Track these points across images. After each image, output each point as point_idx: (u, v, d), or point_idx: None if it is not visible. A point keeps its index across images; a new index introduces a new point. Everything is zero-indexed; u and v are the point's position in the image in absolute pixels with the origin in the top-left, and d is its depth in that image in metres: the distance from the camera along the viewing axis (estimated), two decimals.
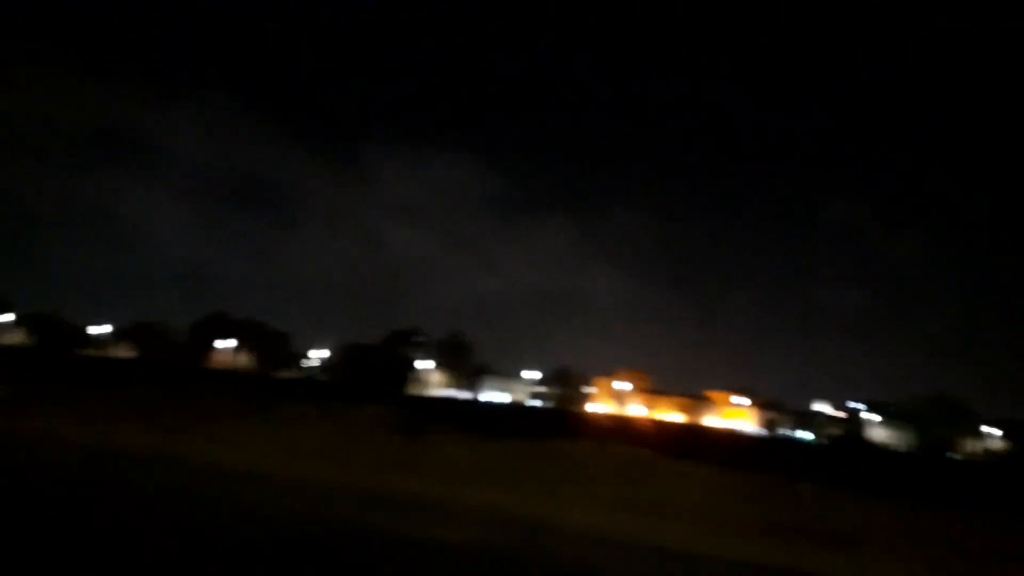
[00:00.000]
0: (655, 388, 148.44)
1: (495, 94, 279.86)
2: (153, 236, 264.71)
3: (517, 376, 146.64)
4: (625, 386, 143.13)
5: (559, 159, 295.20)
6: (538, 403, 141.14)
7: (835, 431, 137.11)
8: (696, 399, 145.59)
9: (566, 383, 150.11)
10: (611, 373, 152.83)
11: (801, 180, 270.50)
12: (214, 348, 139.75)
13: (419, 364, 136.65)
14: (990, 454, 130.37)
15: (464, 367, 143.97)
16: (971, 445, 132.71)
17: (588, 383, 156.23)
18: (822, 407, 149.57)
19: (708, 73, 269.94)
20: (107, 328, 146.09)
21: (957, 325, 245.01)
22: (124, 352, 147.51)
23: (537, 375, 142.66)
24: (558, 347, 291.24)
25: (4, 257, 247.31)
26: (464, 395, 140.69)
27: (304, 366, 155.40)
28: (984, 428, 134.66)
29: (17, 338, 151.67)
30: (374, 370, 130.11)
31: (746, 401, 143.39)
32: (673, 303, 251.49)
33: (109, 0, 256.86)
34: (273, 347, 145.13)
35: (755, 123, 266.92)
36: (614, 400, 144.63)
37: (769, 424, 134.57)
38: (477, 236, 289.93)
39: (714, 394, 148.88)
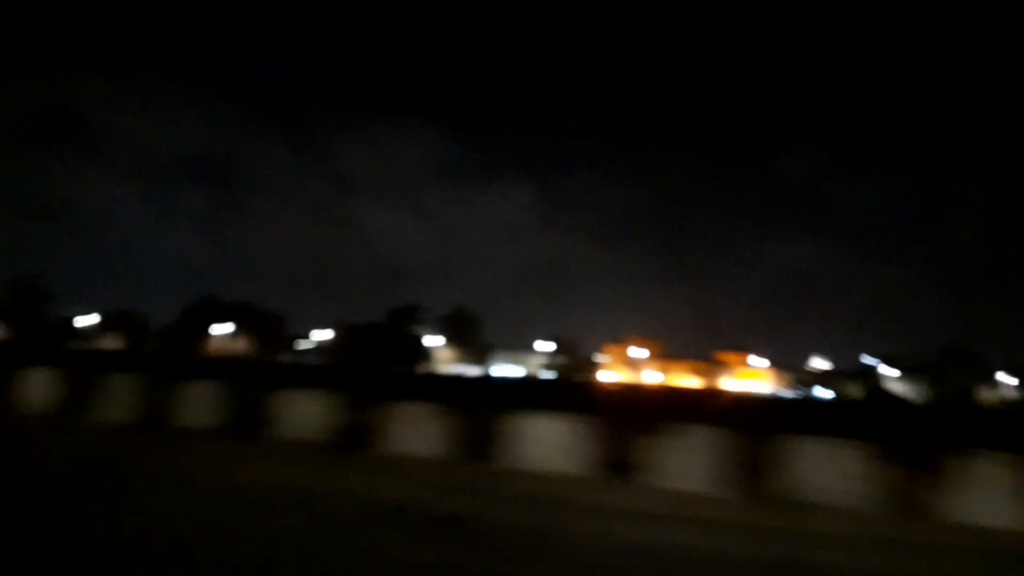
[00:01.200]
0: (667, 353, 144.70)
1: (450, 61, 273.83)
2: (98, 219, 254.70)
3: (527, 349, 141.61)
4: (640, 352, 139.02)
5: (515, 123, 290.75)
6: (550, 375, 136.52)
7: (853, 389, 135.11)
8: (710, 362, 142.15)
9: (573, 353, 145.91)
10: (619, 340, 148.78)
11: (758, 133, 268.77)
12: (209, 334, 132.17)
13: (427, 341, 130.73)
14: (1007, 402, 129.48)
15: (472, 342, 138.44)
16: (987, 394, 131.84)
17: (594, 352, 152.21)
18: (822, 364, 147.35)
19: (660, 31, 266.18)
20: (94, 318, 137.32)
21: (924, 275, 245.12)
22: (110, 343, 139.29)
23: (551, 346, 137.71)
24: (536, 317, 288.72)
25: None
26: (474, 371, 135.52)
27: (300, 349, 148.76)
28: (1000, 376, 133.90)
29: None
30: (382, 349, 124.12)
31: (763, 362, 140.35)
32: (642, 265, 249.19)
33: None
34: (269, 330, 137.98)
35: (711, 78, 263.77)
36: (628, 367, 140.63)
37: (801, 383, 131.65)
38: (437, 206, 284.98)
39: (726, 356, 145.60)
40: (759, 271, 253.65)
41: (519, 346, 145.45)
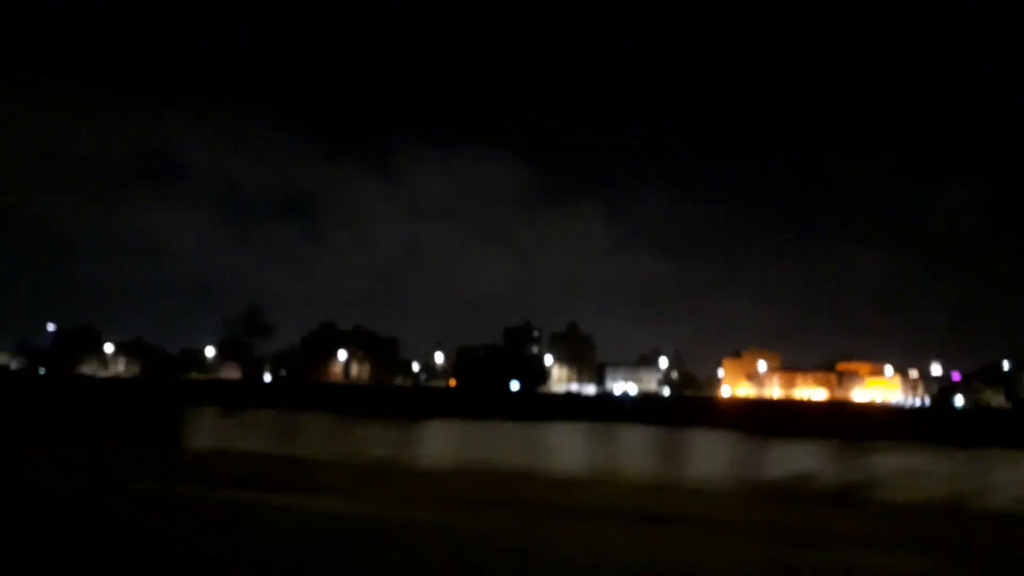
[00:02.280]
0: (788, 365, 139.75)
1: (518, 86, 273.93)
2: (186, 253, 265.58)
3: (640, 366, 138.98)
4: (762, 366, 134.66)
5: (585, 146, 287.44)
6: (667, 392, 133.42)
7: (993, 396, 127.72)
8: (835, 373, 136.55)
9: (683, 368, 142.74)
10: (737, 354, 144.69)
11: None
12: (331, 360, 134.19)
13: (545, 361, 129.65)
14: None
15: (585, 360, 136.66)
16: None
17: (709, 367, 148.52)
18: (937, 369, 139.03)
19: (724, 48, 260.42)
20: (210, 350, 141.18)
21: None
22: (228, 373, 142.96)
23: (664, 362, 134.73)
24: (634, 335, 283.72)
25: (45, 280, 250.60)
26: (590, 390, 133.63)
27: (414, 372, 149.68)
28: None
29: (121, 367, 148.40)
30: (503, 370, 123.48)
31: (890, 371, 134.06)
32: (711, 278, 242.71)
33: (130, 22, 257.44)
34: (385, 355, 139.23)
35: (774, 94, 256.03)
36: (751, 382, 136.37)
37: (944, 393, 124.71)
38: (511, 228, 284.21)
39: (850, 365, 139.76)
40: (842, 279, 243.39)
41: (631, 363, 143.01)
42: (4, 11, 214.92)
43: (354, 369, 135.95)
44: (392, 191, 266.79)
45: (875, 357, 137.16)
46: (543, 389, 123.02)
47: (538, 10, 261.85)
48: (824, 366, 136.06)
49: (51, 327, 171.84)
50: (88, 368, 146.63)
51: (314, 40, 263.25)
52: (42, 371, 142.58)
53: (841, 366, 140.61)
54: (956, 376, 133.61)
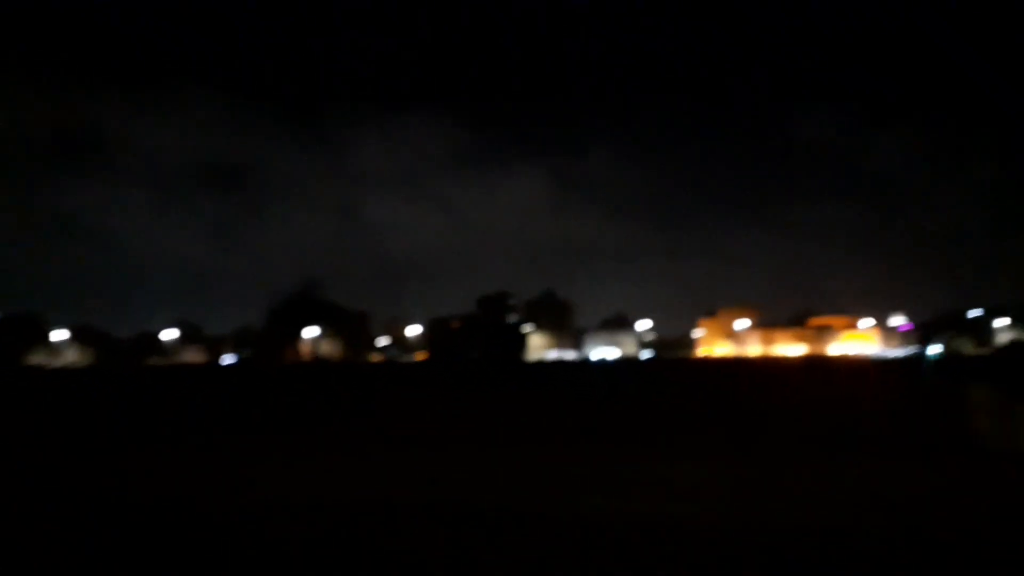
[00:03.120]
0: (767, 322, 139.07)
1: (455, 48, 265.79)
2: (118, 232, 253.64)
3: (618, 330, 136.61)
4: (743, 323, 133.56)
5: (525, 107, 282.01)
6: (648, 354, 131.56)
7: (964, 343, 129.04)
8: (813, 328, 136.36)
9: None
10: (713, 313, 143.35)
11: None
12: (300, 338, 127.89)
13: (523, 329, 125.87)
14: None
15: (565, 327, 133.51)
16: None
17: (687, 327, 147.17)
18: (900, 320, 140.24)
19: (667, 5, 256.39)
20: (174, 332, 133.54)
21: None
22: (192, 357, 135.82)
23: (648, 324, 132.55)
24: (594, 299, 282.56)
25: None
26: (570, 356, 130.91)
27: (382, 346, 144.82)
28: None
29: (73, 356, 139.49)
30: (483, 341, 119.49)
31: (869, 322, 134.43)
32: (662, 239, 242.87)
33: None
34: (356, 330, 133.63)
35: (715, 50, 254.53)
36: (731, 340, 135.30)
37: (914, 341, 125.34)
38: (452, 193, 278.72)
39: (823, 320, 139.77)
40: (788, 234, 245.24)
41: (603, 327, 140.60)
42: None
43: (324, 347, 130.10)
44: (327, 159, 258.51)
45: (835, 311, 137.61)
46: (523, 357, 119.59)
47: None
48: (792, 322, 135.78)
49: None
50: (36, 358, 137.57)
51: (241, 6, 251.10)
52: None
53: (814, 321, 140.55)
54: (908, 326, 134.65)
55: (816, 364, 77.58)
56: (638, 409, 24.73)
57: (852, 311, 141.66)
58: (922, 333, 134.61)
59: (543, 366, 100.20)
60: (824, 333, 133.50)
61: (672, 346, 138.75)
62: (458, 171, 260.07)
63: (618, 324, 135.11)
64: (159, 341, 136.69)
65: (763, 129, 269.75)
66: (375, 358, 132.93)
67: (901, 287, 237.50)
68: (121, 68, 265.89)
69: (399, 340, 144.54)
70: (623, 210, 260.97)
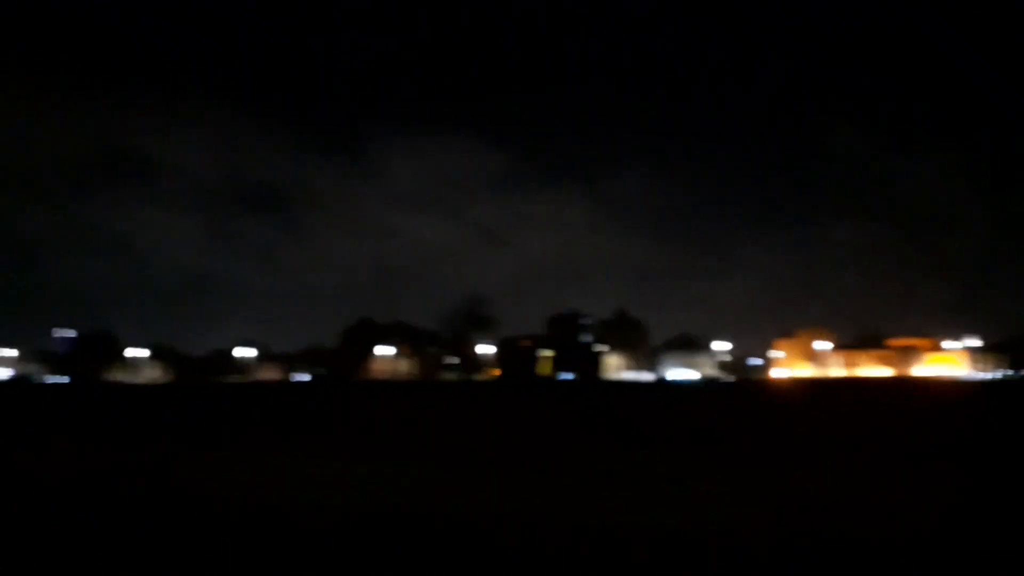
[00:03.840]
0: (847, 344, 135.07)
1: (492, 72, 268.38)
2: (162, 252, 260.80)
3: (695, 351, 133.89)
4: (824, 345, 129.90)
5: (562, 131, 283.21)
6: (724, 376, 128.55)
7: None
8: (896, 350, 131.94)
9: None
10: (789, 335, 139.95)
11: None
12: (373, 355, 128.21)
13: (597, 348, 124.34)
14: None
15: (640, 346, 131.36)
16: None
17: (760, 349, 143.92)
18: (974, 341, 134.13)
19: (702, 30, 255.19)
20: (251, 352, 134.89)
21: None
22: (269, 374, 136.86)
23: (727, 346, 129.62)
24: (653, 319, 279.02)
25: (18, 285, 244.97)
26: (647, 376, 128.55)
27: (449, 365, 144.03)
28: None
29: (151, 373, 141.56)
30: (561, 361, 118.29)
31: (956, 344, 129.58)
32: (689, 258, 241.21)
33: (96, 23, 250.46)
34: (427, 348, 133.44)
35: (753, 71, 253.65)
36: (811, 362, 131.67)
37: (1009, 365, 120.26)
38: (489, 215, 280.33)
39: (911, 341, 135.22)
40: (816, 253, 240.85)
41: (677, 348, 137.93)
42: None
43: (400, 364, 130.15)
44: (367, 182, 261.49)
45: (911, 333, 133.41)
46: (600, 377, 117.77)
47: None
48: (865, 344, 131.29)
49: (66, 333, 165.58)
50: (115, 374, 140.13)
51: (283, 33, 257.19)
52: (64, 379, 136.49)
53: (893, 342, 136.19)
54: None
55: (919, 385, 74.48)
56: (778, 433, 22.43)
57: (929, 333, 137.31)
58: (1012, 355, 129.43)
59: (625, 386, 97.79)
60: (908, 355, 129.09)
61: (743, 368, 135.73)
62: (496, 193, 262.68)
63: (687, 345, 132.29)
64: (234, 359, 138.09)
65: (798, 147, 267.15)
66: (446, 376, 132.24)
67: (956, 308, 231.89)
68: (169, 93, 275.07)
69: (469, 358, 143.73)
70: (660, 231, 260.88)
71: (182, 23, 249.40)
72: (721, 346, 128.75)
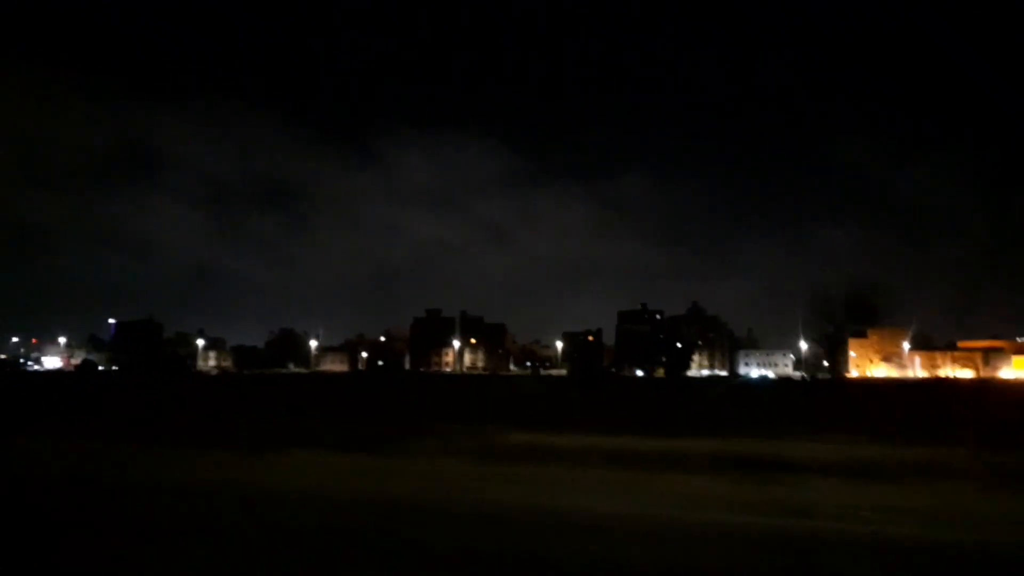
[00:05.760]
0: (923, 344, 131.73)
1: (500, 72, 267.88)
2: (170, 244, 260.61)
3: (775, 350, 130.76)
4: (902, 345, 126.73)
5: (568, 131, 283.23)
6: (800, 375, 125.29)
7: None
8: (981, 352, 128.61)
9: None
10: (862, 333, 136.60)
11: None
12: (441, 349, 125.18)
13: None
14: None
15: (718, 344, 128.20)
16: None
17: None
18: None
19: (702, 30, 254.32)
20: (316, 341, 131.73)
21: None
22: (331, 366, 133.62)
23: (803, 345, 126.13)
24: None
25: (30, 279, 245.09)
26: (722, 373, 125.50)
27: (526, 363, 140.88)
28: None
29: (214, 362, 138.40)
30: (647, 356, 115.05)
31: None
32: (691, 259, 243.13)
33: (107, 18, 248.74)
34: (496, 343, 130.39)
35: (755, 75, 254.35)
36: (888, 362, 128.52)
37: None
38: (496, 212, 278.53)
39: (993, 343, 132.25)
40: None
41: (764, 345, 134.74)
42: None
43: (467, 357, 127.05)
44: (376, 178, 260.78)
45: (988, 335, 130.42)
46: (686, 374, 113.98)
47: None
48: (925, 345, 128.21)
49: (112, 321, 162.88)
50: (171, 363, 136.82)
51: (294, 27, 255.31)
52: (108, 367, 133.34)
53: (970, 344, 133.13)
54: None
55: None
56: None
57: (1005, 335, 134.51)
58: None
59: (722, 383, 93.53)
60: (994, 357, 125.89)
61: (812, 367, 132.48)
62: (504, 190, 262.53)
63: (754, 343, 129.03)
64: (303, 349, 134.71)
65: (800, 154, 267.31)
66: (514, 371, 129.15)
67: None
68: (177, 89, 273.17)
69: (532, 354, 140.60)
70: (658, 233, 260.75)
71: (194, 20, 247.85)
72: (803, 346, 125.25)
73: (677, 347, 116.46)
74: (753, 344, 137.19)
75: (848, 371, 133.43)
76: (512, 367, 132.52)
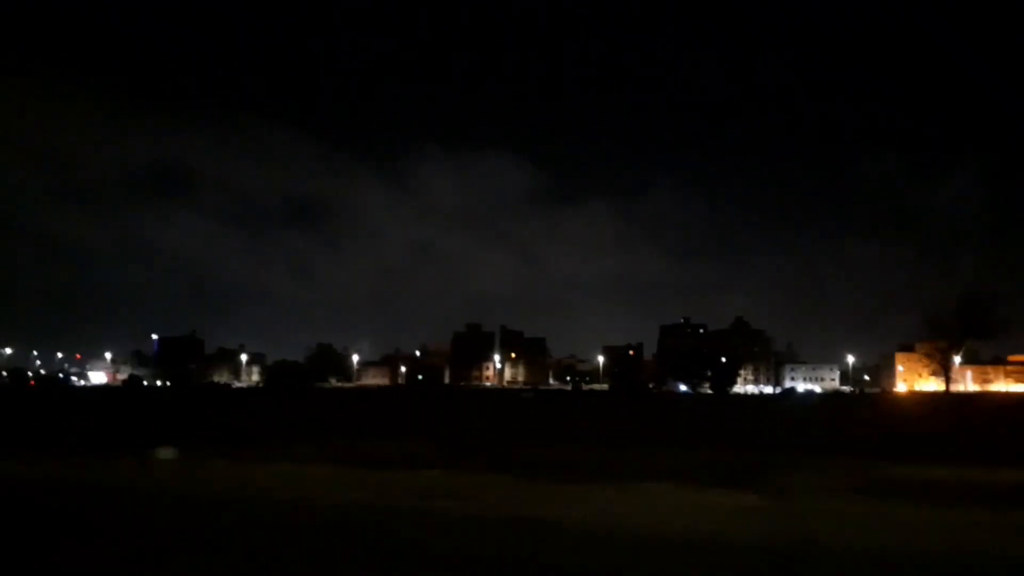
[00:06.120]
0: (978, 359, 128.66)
1: (528, 91, 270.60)
2: (201, 261, 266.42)
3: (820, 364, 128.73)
4: (953, 358, 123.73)
5: (594, 147, 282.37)
6: (848, 389, 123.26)
7: None
8: None
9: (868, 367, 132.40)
10: (909, 347, 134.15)
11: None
12: (483, 364, 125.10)
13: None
14: None
15: (762, 358, 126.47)
16: None
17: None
18: None
19: (730, 44, 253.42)
20: (358, 356, 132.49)
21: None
22: (372, 380, 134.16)
23: (850, 360, 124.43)
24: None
25: (65, 295, 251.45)
26: (768, 389, 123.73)
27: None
28: None
29: (255, 376, 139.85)
30: (692, 371, 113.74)
31: None
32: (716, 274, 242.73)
33: (144, 36, 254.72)
34: (537, 357, 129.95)
35: (778, 90, 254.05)
36: (937, 377, 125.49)
37: None
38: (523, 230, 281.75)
39: None
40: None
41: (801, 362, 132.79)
42: (16, 26, 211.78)
43: (507, 372, 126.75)
44: (404, 196, 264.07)
45: None
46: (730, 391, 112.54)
47: (541, 13, 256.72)
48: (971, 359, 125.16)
49: (155, 337, 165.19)
50: (219, 378, 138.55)
51: (324, 48, 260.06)
52: (164, 382, 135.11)
53: (1014, 357, 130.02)
54: None
55: None
56: None
57: None
58: None
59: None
60: None
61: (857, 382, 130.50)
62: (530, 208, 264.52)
63: (794, 357, 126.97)
64: (337, 362, 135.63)
65: (824, 168, 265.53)
66: (555, 385, 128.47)
67: None
68: (211, 108, 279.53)
69: (571, 368, 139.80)
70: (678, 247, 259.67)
71: (229, 40, 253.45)
72: (849, 359, 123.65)
73: (722, 362, 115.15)
74: (793, 358, 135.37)
75: (895, 385, 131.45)
76: (552, 381, 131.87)
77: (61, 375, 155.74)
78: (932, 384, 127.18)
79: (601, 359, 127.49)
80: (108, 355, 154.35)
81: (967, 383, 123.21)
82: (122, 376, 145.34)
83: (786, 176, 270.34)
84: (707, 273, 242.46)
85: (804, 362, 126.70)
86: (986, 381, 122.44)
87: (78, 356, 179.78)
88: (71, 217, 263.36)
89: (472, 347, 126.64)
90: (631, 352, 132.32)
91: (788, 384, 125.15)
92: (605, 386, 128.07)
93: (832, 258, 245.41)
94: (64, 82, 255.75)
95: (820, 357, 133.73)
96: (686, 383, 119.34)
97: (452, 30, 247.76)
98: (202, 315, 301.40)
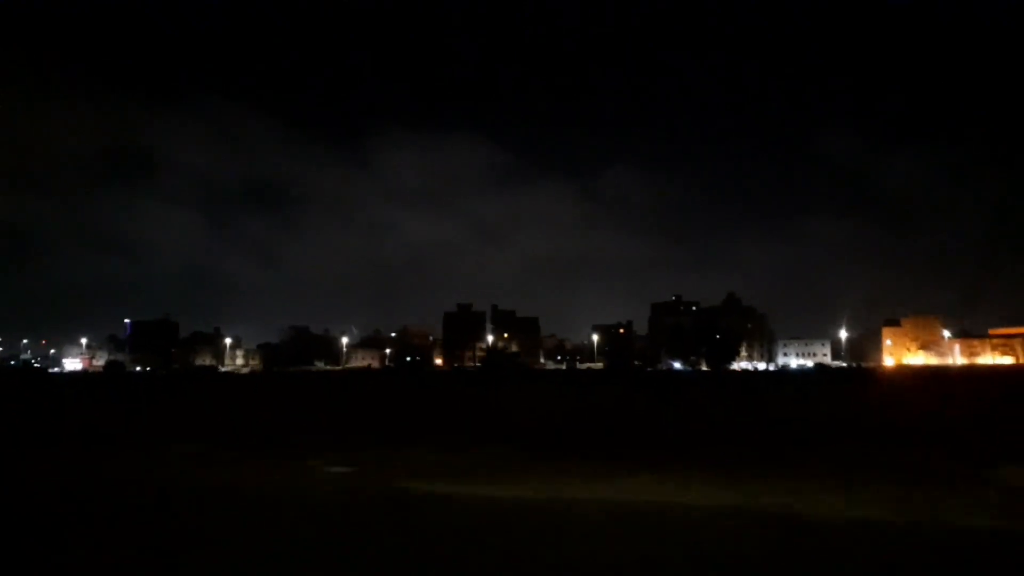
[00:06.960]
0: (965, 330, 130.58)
1: (489, 72, 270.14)
2: (160, 246, 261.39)
3: (814, 339, 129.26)
4: (941, 332, 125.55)
5: (556, 127, 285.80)
6: (838, 364, 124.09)
7: None
8: (1020, 339, 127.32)
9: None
10: (895, 322, 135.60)
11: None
12: (474, 344, 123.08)
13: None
14: None
15: (756, 335, 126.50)
16: None
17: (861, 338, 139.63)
18: None
19: (686, 23, 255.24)
20: (348, 338, 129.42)
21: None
22: (361, 362, 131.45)
23: (843, 335, 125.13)
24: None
25: (20, 283, 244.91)
26: (761, 365, 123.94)
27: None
28: None
29: (241, 360, 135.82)
30: (688, 348, 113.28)
31: None
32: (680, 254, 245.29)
33: (99, 19, 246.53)
34: (531, 336, 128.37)
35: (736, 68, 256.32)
36: (926, 351, 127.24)
37: None
38: (487, 210, 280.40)
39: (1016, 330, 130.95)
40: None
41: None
42: None
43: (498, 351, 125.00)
44: (368, 178, 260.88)
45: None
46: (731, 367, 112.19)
47: None
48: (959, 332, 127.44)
49: (127, 321, 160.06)
50: (202, 362, 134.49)
51: (285, 29, 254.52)
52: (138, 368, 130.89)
53: (996, 331, 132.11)
54: None
55: None
56: None
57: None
58: None
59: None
60: None
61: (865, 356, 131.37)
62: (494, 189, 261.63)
63: (794, 333, 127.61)
64: (334, 346, 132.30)
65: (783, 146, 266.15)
66: (548, 365, 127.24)
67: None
68: (170, 90, 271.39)
69: (561, 348, 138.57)
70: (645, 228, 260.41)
71: (186, 21, 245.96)
72: (843, 333, 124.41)
73: (716, 339, 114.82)
74: (784, 334, 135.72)
75: (882, 360, 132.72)
76: (543, 360, 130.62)
77: (35, 362, 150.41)
78: (920, 358, 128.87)
79: (595, 337, 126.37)
80: (84, 340, 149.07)
81: (955, 356, 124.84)
82: (99, 362, 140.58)
83: (748, 156, 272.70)
84: (681, 254, 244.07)
85: (797, 337, 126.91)
86: (973, 354, 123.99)
87: (43, 342, 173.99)
88: (23, 203, 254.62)
89: (463, 328, 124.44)
90: (621, 331, 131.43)
91: (781, 360, 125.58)
92: (599, 364, 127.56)
93: (806, 236, 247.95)
94: (16, 65, 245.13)
95: (809, 333, 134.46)
96: (681, 361, 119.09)
97: (414, 11, 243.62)
98: (162, 299, 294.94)
